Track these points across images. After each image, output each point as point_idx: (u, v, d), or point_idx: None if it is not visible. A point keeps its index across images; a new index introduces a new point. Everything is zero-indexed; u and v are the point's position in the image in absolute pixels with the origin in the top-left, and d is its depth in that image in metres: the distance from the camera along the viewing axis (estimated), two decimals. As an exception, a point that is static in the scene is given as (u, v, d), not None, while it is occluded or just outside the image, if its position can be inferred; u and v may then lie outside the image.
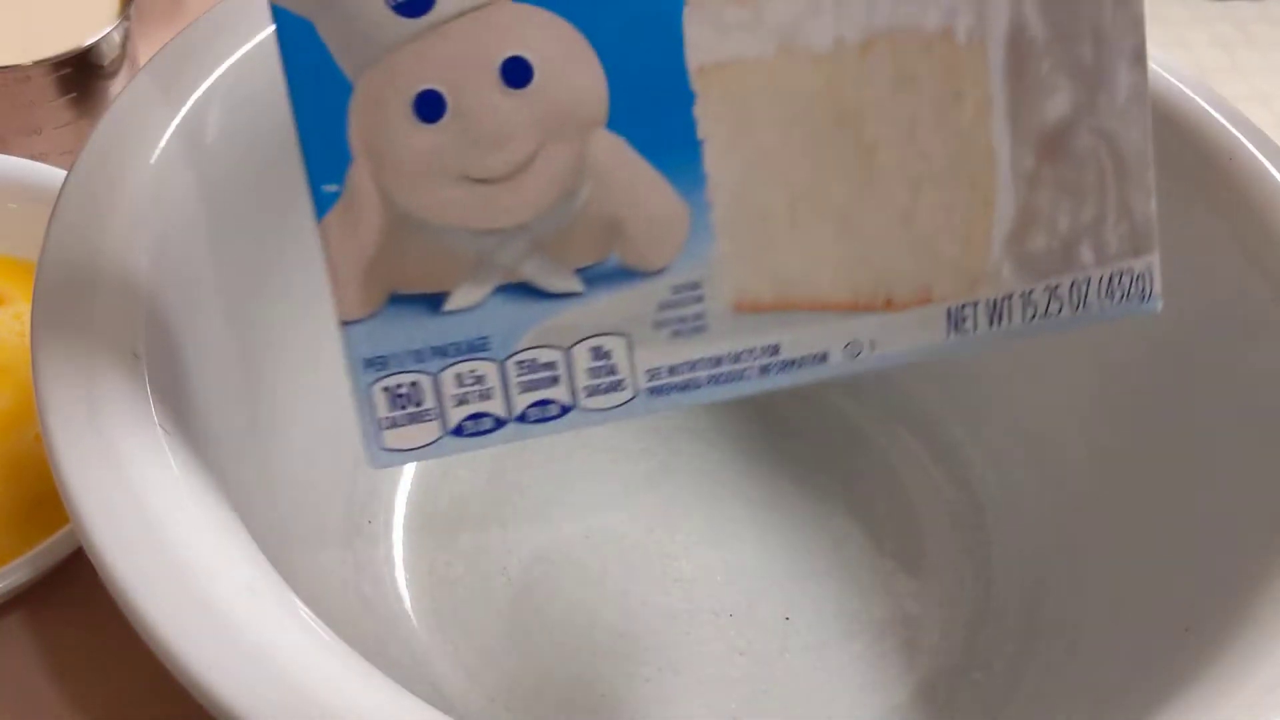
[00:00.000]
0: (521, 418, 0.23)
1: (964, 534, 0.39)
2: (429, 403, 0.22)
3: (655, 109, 0.22)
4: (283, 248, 0.32)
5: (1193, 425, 0.33)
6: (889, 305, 0.24)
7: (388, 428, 0.22)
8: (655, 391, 0.23)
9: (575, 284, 0.22)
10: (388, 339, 0.22)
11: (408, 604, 0.36)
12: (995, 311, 0.25)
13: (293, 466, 0.33)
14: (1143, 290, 0.25)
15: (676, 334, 0.23)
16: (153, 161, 0.28)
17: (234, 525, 0.24)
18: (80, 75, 0.43)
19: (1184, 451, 0.33)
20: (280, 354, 0.33)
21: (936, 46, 0.23)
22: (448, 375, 0.22)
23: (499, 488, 0.38)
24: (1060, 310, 0.25)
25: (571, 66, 0.21)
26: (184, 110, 0.30)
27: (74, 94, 0.43)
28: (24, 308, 0.39)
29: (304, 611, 0.23)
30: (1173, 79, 0.34)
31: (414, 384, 0.22)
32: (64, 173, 0.29)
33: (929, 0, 0.23)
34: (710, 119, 0.22)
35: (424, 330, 0.22)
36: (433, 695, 0.33)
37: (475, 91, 0.21)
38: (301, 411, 0.34)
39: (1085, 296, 0.25)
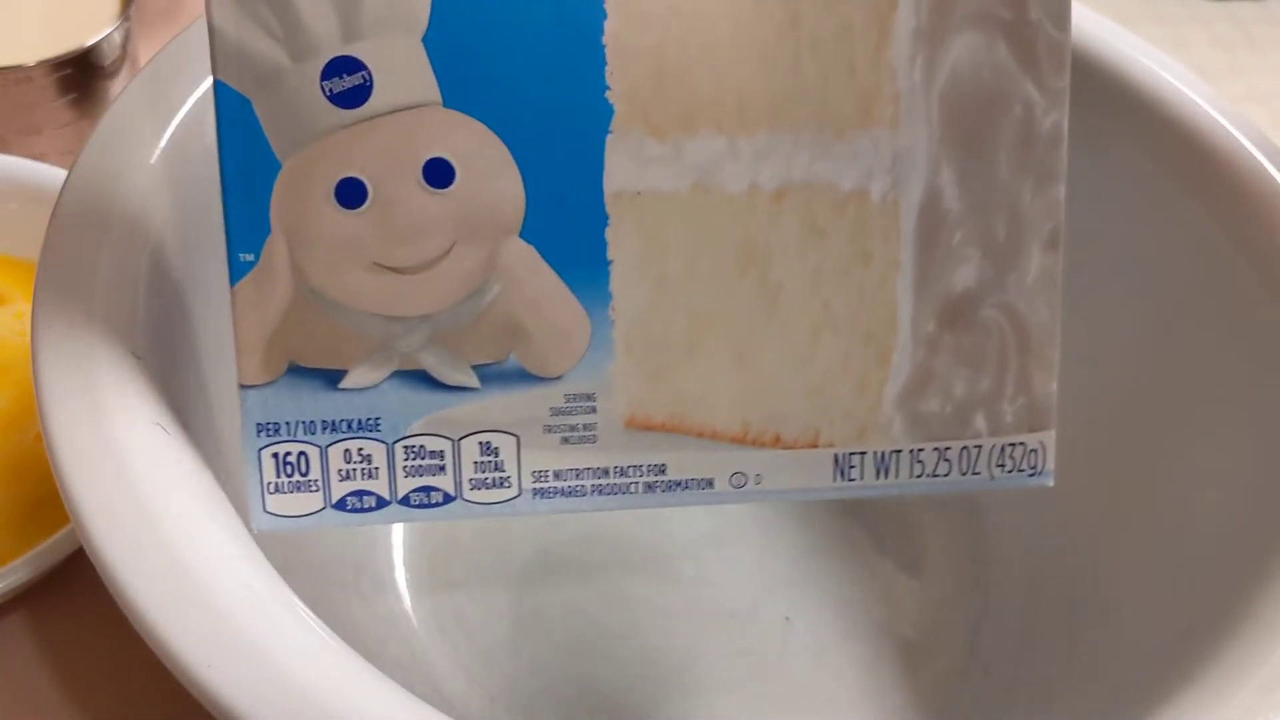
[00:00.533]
0: (404, 500, 0.23)
1: (964, 535, 0.39)
2: (314, 474, 0.23)
3: (569, 225, 0.23)
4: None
5: (1193, 426, 0.33)
6: (777, 442, 0.25)
7: (272, 493, 0.23)
8: (540, 494, 0.24)
9: (472, 379, 0.23)
10: (282, 407, 0.23)
11: (408, 604, 0.36)
12: (882, 464, 0.25)
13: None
14: (1034, 465, 0.26)
15: (566, 440, 0.24)
16: (153, 161, 0.28)
17: (234, 525, 0.24)
18: (81, 75, 0.43)
19: (1184, 451, 0.33)
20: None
21: (850, 205, 0.24)
22: (336, 450, 0.23)
23: (499, 488, 0.38)
24: (948, 473, 0.25)
25: (492, 175, 0.22)
26: (184, 111, 0.30)
27: (74, 94, 0.43)
28: (24, 308, 0.39)
29: (304, 611, 0.23)
30: (1173, 79, 0.34)
31: (302, 454, 0.23)
32: (64, 173, 0.29)
33: (846, 161, 0.24)
34: (620, 242, 0.23)
35: (318, 404, 0.23)
36: (433, 695, 0.33)
37: (397, 185, 0.22)
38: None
39: (975, 463, 0.25)
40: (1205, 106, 0.34)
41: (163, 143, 0.29)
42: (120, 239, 0.27)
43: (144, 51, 0.47)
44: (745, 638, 0.36)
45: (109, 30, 0.43)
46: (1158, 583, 0.32)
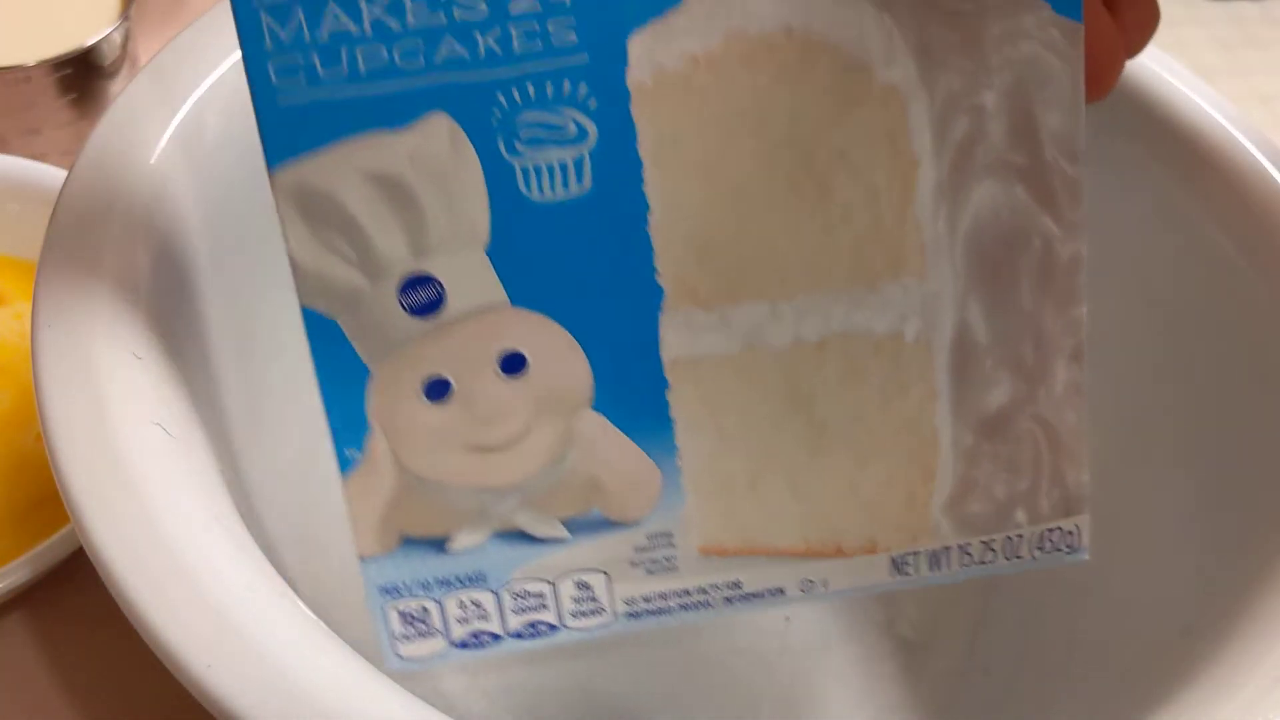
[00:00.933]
0: (516, 634, 0.26)
1: (964, 534, 0.39)
2: (435, 623, 0.26)
3: (634, 394, 0.25)
4: (282, 247, 0.32)
5: (1193, 426, 0.33)
6: (838, 552, 0.27)
7: (401, 641, 0.25)
8: (632, 616, 0.26)
9: (561, 531, 0.26)
10: (399, 572, 0.25)
11: (408, 604, 0.36)
12: (935, 560, 0.27)
13: (294, 466, 0.33)
14: (1071, 544, 0.28)
15: (650, 571, 0.26)
16: (153, 161, 0.28)
17: (234, 525, 0.24)
18: (80, 75, 0.43)
19: (1184, 451, 0.33)
20: (280, 353, 0.33)
21: (886, 347, 0.26)
22: (450, 601, 0.25)
23: (499, 488, 0.38)
24: (994, 560, 0.28)
25: (560, 360, 0.25)
26: (184, 110, 0.30)
27: (74, 94, 0.43)
28: (24, 308, 0.39)
29: (304, 611, 0.23)
30: (1173, 79, 0.34)
31: (422, 608, 0.25)
32: (64, 173, 0.29)
33: (880, 309, 0.25)
34: (681, 402, 0.25)
35: (430, 566, 0.25)
36: (433, 695, 0.33)
37: (476, 378, 0.24)
38: (301, 411, 0.34)
39: (1018, 549, 0.28)
40: (1206, 107, 0.34)
41: (163, 142, 0.29)
42: (120, 239, 0.27)
43: (144, 51, 0.47)
44: (745, 638, 0.36)
45: (109, 30, 0.43)
46: (1158, 583, 0.32)
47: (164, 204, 0.28)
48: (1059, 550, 0.28)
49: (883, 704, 0.35)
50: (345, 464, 0.24)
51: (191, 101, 0.30)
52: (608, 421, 0.25)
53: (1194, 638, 0.28)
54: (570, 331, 0.24)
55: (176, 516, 0.23)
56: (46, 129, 0.43)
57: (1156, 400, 0.35)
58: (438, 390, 0.24)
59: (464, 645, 0.26)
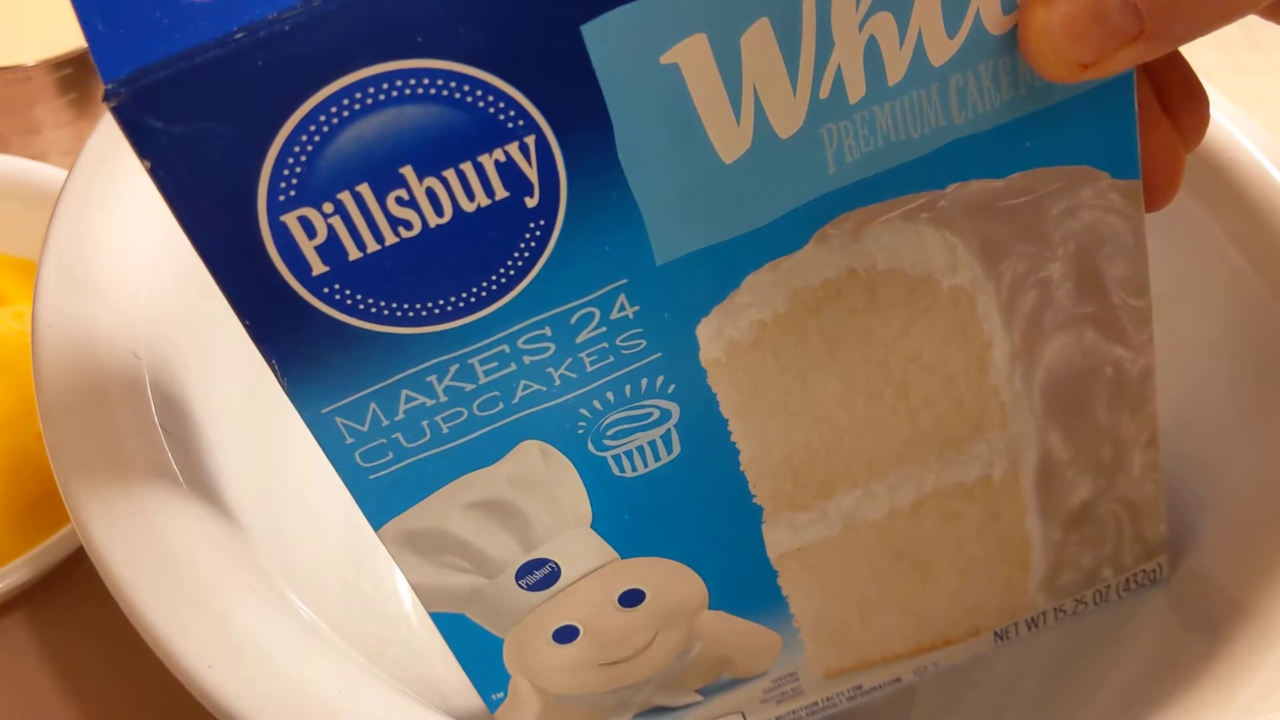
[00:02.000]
0: None
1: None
2: None
3: (746, 590, 0.27)
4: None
5: (1194, 426, 0.33)
6: (947, 643, 0.29)
7: None
8: None
9: (695, 699, 0.28)
10: None
11: (408, 604, 0.36)
12: (1032, 623, 0.29)
13: (293, 466, 0.33)
14: (1154, 578, 0.30)
15: (780, 701, 0.29)
16: (153, 161, 0.28)
17: (234, 525, 0.24)
18: (80, 75, 0.43)
19: (1184, 450, 0.33)
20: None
21: (976, 491, 0.27)
22: None
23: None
24: (1086, 609, 0.29)
25: (675, 583, 0.26)
26: (184, 110, 0.29)
27: (74, 94, 0.43)
28: (24, 308, 0.39)
29: (304, 611, 0.23)
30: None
31: None
32: (64, 173, 0.29)
33: (967, 464, 0.27)
34: (790, 583, 0.27)
35: None
36: (433, 695, 0.33)
37: (600, 618, 0.26)
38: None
39: (1106, 596, 0.29)
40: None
41: (163, 143, 0.29)
42: (121, 239, 0.27)
43: (144, 51, 0.47)
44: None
45: (109, 30, 0.43)
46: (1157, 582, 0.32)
47: (164, 204, 0.28)
48: (1143, 586, 0.30)
49: (883, 704, 0.35)
50: (493, 706, 0.26)
51: (191, 101, 0.30)
52: (725, 615, 0.27)
53: (1194, 638, 0.28)
54: (680, 561, 0.25)
55: (176, 516, 0.23)
56: (46, 129, 0.43)
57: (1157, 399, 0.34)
58: (566, 635, 0.26)
59: None
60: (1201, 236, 0.33)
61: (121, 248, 0.27)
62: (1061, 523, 0.28)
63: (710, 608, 0.26)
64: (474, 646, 0.25)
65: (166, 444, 0.24)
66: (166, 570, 0.22)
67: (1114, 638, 0.31)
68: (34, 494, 0.35)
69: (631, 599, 0.26)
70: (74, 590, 0.34)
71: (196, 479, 0.24)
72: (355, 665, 0.23)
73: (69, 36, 0.42)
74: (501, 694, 0.26)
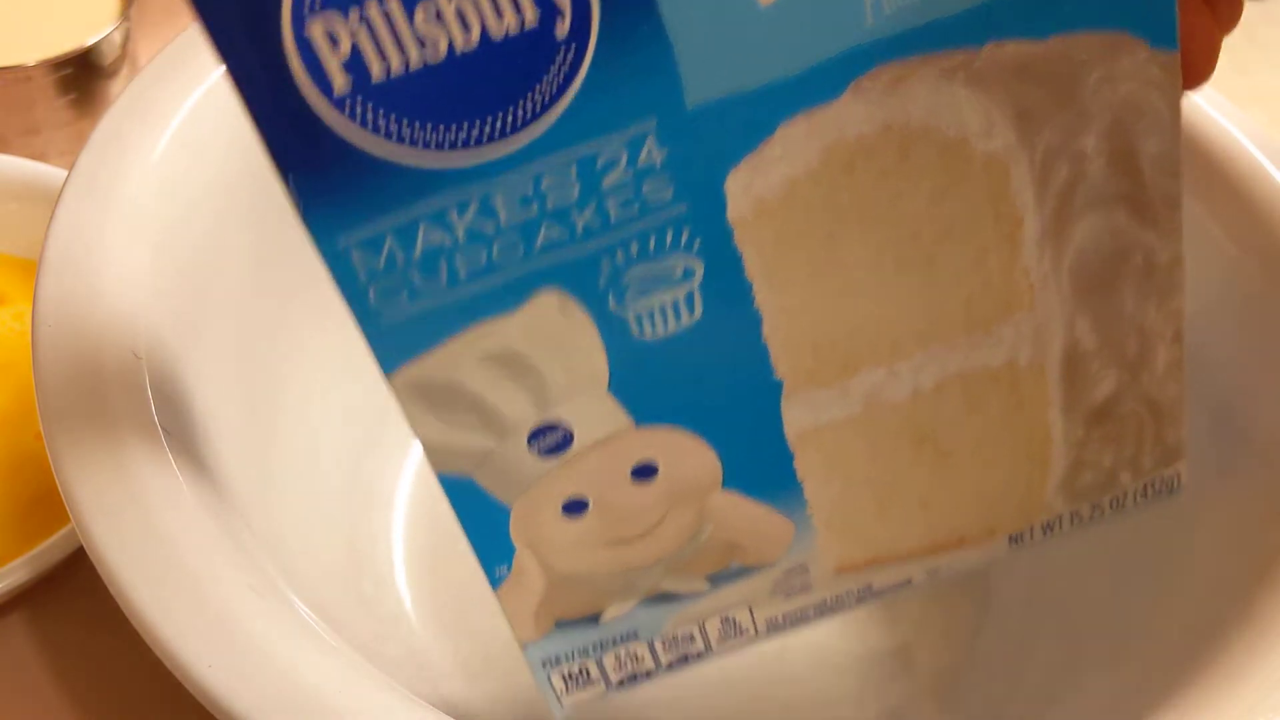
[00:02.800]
0: (670, 666, 0.28)
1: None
2: (595, 676, 0.27)
3: (762, 470, 0.26)
4: (283, 247, 0.32)
5: (1194, 424, 0.33)
6: (961, 544, 0.28)
7: (565, 695, 0.27)
8: (772, 628, 0.28)
9: (704, 586, 0.27)
10: (558, 646, 0.26)
11: (408, 604, 0.36)
12: (1048, 528, 0.28)
13: (293, 466, 0.33)
14: (1171, 487, 0.29)
15: (789, 595, 0.27)
16: (153, 161, 0.28)
17: (234, 525, 0.24)
18: (81, 75, 0.43)
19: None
20: (280, 353, 0.33)
21: (1001, 376, 0.26)
22: (608, 657, 0.27)
23: (499, 488, 0.38)
24: (1101, 515, 0.29)
25: (689, 458, 0.25)
26: (184, 110, 0.30)
27: (74, 94, 0.43)
28: (24, 308, 0.39)
29: (304, 611, 0.23)
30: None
31: (582, 668, 0.27)
32: (64, 173, 0.29)
33: (993, 347, 0.26)
34: (807, 466, 0.26)
35: (585, 636, 0.26)
36: (433, 695, 0.33)
37: (611, 491, 0.25)
38: (302, 411, 0.34)
39: (1122, 504, 0.29)
40: (1206, 107, 0.34)
41: (163, 143, 0.29)
42: (120, 239, 0.27)
43: (144, 51, 0.47)
44: (745, 638, 0.36)
45: (109, 30, 0.43)
46: (1158, 582, 0.32)
47: (164, 204, 0.28)
48: (1160, 494, 0.29)
49: (883, 704, 0.35)
50: (495, 581, 0.25)
51: (192, 101, 0.30)
52: (738, 495, 0.26)
53: (1194, 638, 0.28)
54: (696, 432, 0.25)
55: (176, 516, 0.23)
56: (46, 129, 0.43)
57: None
58: (576, 508, 0.25)
59: (621, 684, 0.27)
60: (1201, 235, 0.33)
61: (121, 248, 0.27)
62: (1084, 418, 0.27)
63: (724, 487, 0.26)
64: (480, 514, 0.24)
65: (167, 444, 0.24)
66: (166, 570, 0.22)
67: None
68: (34, 494, 0.35)
69: (644, 472, 0.25)
70: (74, 590, 0.34)
71: (196, 479, 0.24)
72: (355, 665, 0.23)
73: (69, 36, 0.42)
74: (505, 567, 0.25)
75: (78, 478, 0.23)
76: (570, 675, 0.27)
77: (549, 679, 0.27)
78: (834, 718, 0.35)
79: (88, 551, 0.23)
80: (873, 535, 0.28)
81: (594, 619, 0.26)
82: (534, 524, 0.25)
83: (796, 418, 0.25)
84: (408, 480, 0.38)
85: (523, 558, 0.25)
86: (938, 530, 0.28)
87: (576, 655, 0.26)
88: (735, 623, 0.27)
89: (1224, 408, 0.32)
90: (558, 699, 0.27)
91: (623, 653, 0.27)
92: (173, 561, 0.22)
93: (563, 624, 0.26)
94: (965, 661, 0.36)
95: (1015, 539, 0.28)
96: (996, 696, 0.35)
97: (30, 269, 0.40)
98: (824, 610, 0.28)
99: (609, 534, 0.25)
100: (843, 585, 0.28)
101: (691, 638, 0.27)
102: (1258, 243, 0.32)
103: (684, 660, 0.27)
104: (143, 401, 0.24)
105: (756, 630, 0.28)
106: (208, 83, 0.30)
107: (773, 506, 0.26)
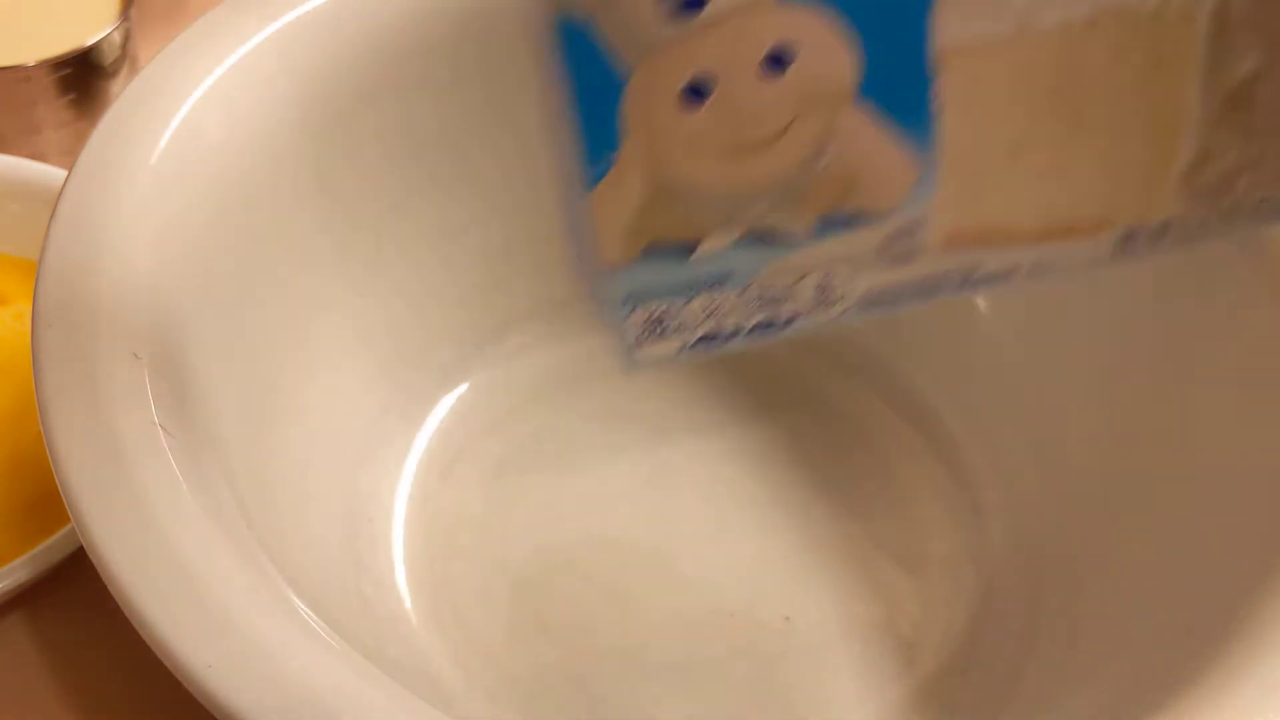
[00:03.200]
0: (753, 329, 0.26)
1: (964, 534, 0.39)
2: (674, 326, 0.25)
3: (900, 86, 0.24)
4: (282, 248, 0.32)
5: (1193, 425, 0.33)
6: (1069, 233, 0.27)
7: (638, 346, 0.25)
8: (865, 305, 0.26)
9: (811, 230, 0.25)
10: (644, 279, 0.24)
11: (408, 604, 0.36)
12: (1158, 232, 0.27)
13: (293, 466, 0.33)
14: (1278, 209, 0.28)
15: (891, 263, 0.26)
16: (153, 161, 0.28)
17: (234, 525, 0.24)
18: (81, 75, 0.43)
19: (1185, 451, 0.33)
20: (280, 354, 0.33)
21: (1148, 24, 0.25)
22: (694, 305, 0.25)
23: (500, 488, 0.38)
24: (1212, 228, 0.27)
25: (827, 52, 0.23)
26: (184, 110, 0.30)
27: (74, 94, 0.43)
28: (24, 308, 0.39)
29: (304, 611, 0.23)
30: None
31: (664, 312, 0.25)
32: (64, 173, 0.29)
33: None
34: (947, 92, 0.24)
35: (674, 272, 0.25)
36: (433, 695, 0.33)
37: (738, 79, 0.23)
38: (302, 411, 0.34)
39: (1236, 215, 0.27)
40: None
41: (163, 143, 0.29)
42: (120, 239, 0.27)
43: (144, 51, 0.47)
44: (745, 637, 0.36)
45: (109, 30, 0.43)
46: (1159, 583, 0.32)
47: (164, 204, 0.28)
48: (1271, 216, 0.28)
49: (882, 703, 0.35)
50: (592, 178, 0.23)
51: (191, 101, 0.30)
52: (869, 114, 0.24)
53: (1194, 637, 0.28)
54: (841, 19, 0.23)
55: (176, 516, 0.23)
56: (46, 129, 0.43)
57: (1156, 398, 0.35)
58: (697, 93, 0.23)
59: (697, 344, 0.26)
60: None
61: (121, 248, 0.27)
62: (1221, 96, 0.26)
63: (859, 96, 0.24)
64: (594, 78, 0.23)
65: (166, 444, 0.24)
66: (167, 570, 0.22)
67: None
68: (34, 494, 0.35)
69: (776, 61, 0.23)
70: (74, 590, 0.34)
71: (196, 479, 0.24)
72: (355, 665, 0.23)
73: (69, 36, 0.42)
74: (607, 161, 0.23)
75: (78, 478, 0.23)
76: (651, 320, 0.25)
77: (625, 322, 0.25)
78: (834, 717, 0.35)
79: (88, 551, 0.23)
80: (990, 201, 0.26)
81: (688, 249, 0.25)
82: (651, 104, 0.23)
83: (947, 24, 0.24)
84: (408, 480, 0.38)
85: (629, 153, 0.23)
86: (1055, 208, 0.27)
87: (660, 293, 0.25)
88: (830, 284, 0.26)
89: (1224, 404, 0.32)
90: (631, 349, 0.25)
91: (710, 300, 0.25)
92: (173, 561, 0.22)
93: (652, 251, 0.24)
94: (965, 661, 0.36)
95: (1124, 241, 0.27)
96: (997, 696, 0.35)
97: (30, 269, 0.40)
98: (922, 292, 0.27)
99: (728, 135, 0.24)
100: (946, 262, 0.26)
101: (783, 295, 0.26)
102: (1259, 244, 0.32)
103: (769, 326, 0.26)
104: (143, 402, 0.24)
105: (849, 301, 0.26)
106: (207, 82, 0.30)
107: (901, 139, 0.25)
